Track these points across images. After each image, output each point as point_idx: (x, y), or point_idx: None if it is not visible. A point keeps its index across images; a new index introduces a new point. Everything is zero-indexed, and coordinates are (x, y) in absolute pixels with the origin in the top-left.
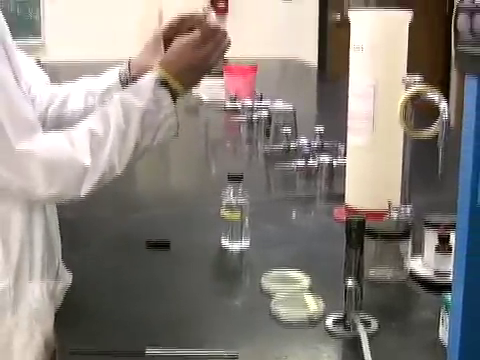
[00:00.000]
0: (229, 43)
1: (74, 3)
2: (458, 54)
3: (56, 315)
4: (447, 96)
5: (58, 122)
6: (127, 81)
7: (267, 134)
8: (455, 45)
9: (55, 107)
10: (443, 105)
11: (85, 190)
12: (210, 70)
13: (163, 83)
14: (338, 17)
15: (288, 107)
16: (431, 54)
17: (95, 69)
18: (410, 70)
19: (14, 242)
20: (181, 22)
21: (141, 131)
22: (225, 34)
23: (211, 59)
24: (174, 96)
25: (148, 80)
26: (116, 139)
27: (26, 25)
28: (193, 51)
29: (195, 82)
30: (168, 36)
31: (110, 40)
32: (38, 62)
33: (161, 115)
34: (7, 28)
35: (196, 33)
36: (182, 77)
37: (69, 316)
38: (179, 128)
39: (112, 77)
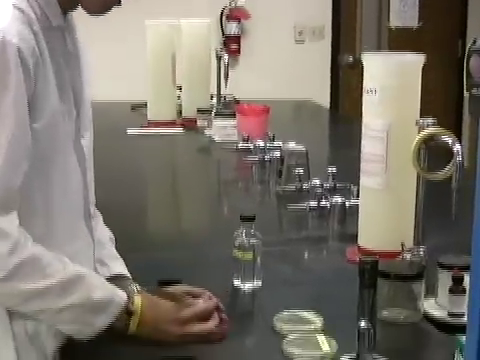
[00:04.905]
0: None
1: (86, 42)
2: (471, 97)
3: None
4: (459, 138)
5: None
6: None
7: (279, 174)
8: (467, 88)
9: None
10: (457, 147)
11: None
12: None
13: (128, 313)
14: (350, 59)
15: (301, 148)
16: (442, 97)
17: (109, 108)
18: (421, 113)
19: None
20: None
21: (66, 310)
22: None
23: (182, 339)
24: (117, 327)
25: (121, 297)
26: (47, 286)
27: None
28: (176, 324)
29: (148, 337)
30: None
31: (122, 81)
32: None
33: (91, 322)
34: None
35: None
36: (144, 330)
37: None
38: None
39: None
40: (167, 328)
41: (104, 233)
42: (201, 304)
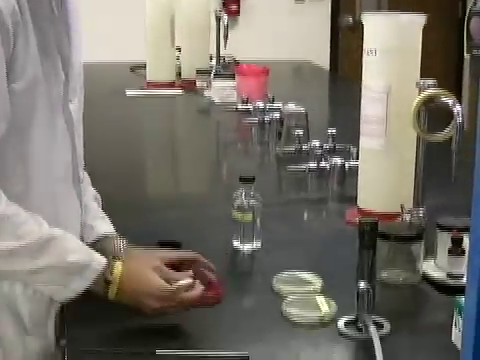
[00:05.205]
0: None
1: (85, 5)
2: (472, 58)
3: (67, 316)
4: (459, 101)
5: None
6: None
7: (279, 136)
8: (467, 49)
9: None
10: (457, 108)
11: None
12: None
13: (106, 281)
14: (350, 20)
15: (300, 109)
16: (442, 58)
17: (108, 69)
18: (421, 74)
19: None
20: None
21: (40, 272)
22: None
23: (158, 313)
24: (96, 292)
25: (99, 262)
26: (20, 246)
27: None
28: (153, 299)
29: (128, 304)
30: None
31: (121, 43)
32: None
33: (67, 284)
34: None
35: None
36: (123, 298)
37: (81, 318)
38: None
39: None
40: (145, 301)
41: (88, 194)
42: (183, 283)
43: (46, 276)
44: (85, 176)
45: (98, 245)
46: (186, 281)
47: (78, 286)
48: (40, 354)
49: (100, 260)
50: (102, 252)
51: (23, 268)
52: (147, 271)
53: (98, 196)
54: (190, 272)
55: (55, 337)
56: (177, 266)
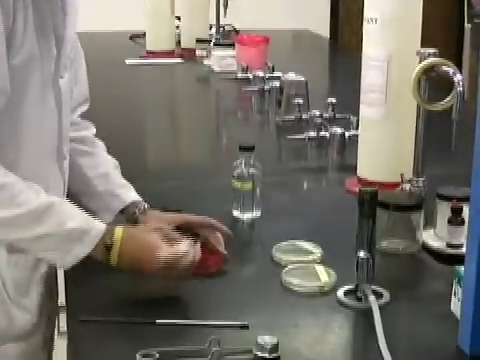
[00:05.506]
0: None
1: None
2: (473, 26)
3: (69, 286)
4: (459, 70)
5: None
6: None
7: (279, 105)
8: (468, 19)
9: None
10: (458, 77)
11: None
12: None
13: (106, 246)
14: None
15: (300, 78)
16: (443, 28)
17: (107, 38)
18: (422, 44)
19: None
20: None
21: (40, 239)
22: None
23: (162, 274)
24: (98, 258)
25: (99, 228)
26: (18, 214)
27: None
28: (154, 259)
29: (130, 269)
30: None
31: (120, 12)
32: None
33: (68, 250)
34: None
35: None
36: (124, 262)
37: (81, 288)
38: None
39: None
40: (145, 265)
41: (108, 164)
42: (182, 247)
43: (47, 243)
44: (98, 143)
45: (125, 213)
46: (185, 245)
47: (79, 252)
48: (22, 325)
49: (99, 226)
50: (128, 219)
51: (23, 236)
52: (147, 234)
53: (117, 164)
54: (190, 238)
55: (38, 308)
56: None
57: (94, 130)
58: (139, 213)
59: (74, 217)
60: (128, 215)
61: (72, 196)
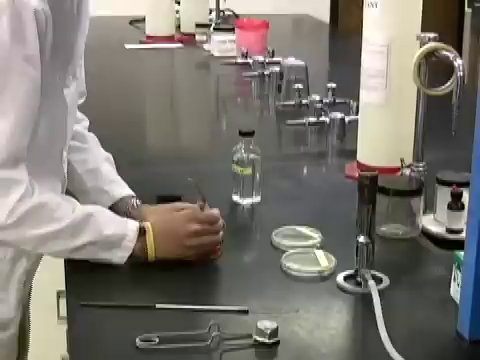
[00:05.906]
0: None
1: None
2: (474, 11)
3: (68, 271)
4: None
5: None
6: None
7: (279, 90)
8: (468, 4)
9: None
10: (458, 62)
11: None
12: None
13: (141, 250)
14: None
15: (300, 63)
16: (443, 13)
17: (107, 23)
18: (422, 29)
19: None
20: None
21: (81, 249)
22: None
23: (196, 253)
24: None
25: (133, 231)
26: (59, 229)
27: None
28: (186, 241)
29: (171, 254)
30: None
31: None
32: None
33: (110, 258)
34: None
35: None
36: (162, 250)
37: (81, 272)
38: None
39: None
40: (180, 241)
41: (98, 159)
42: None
43: (87, 252)
44: (93, 138)
45: (114, 209)
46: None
47: (120, 257)
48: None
49: (132, 227)
50: (117, 214)
51: (66, 248)
52: (170, 213)
53: (110, 157)
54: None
55: (17, 301)
56: None
57: (87, 123)
58: (131, 209)
59: (109, 222)
60: (119, 211)
61: (68, 193)
